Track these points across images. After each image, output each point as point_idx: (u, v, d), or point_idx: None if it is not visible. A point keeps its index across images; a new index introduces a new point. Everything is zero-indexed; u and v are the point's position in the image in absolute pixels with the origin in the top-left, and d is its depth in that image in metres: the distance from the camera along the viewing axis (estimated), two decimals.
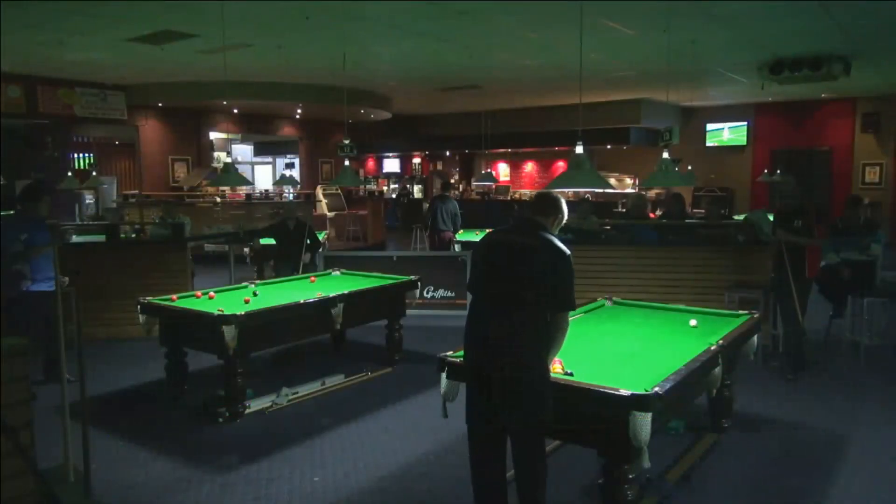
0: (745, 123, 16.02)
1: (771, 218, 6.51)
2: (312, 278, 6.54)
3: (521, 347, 2.96)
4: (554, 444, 4.09)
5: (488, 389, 3.02)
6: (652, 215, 12.81)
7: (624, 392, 2.89)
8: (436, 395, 4.27)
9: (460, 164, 21.38)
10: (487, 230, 10.99)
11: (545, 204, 3.19)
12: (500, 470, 3.13)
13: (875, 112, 14.37)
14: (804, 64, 9.54)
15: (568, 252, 2.99)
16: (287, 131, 16.27)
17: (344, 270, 6.97)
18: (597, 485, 3.34)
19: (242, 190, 14.83)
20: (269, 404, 5.10)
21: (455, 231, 10.32)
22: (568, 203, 3.37)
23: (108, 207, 13.57)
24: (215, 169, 14.42)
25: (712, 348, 3.67)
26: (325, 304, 5.39)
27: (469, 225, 11.98)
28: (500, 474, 3.14)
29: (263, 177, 19.02)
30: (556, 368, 3.21)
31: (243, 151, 18.67)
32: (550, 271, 2.96)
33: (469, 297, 3.18)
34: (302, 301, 5.27)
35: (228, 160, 13.68)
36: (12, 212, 6.95)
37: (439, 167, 21.74)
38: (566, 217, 3.24)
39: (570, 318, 3.12)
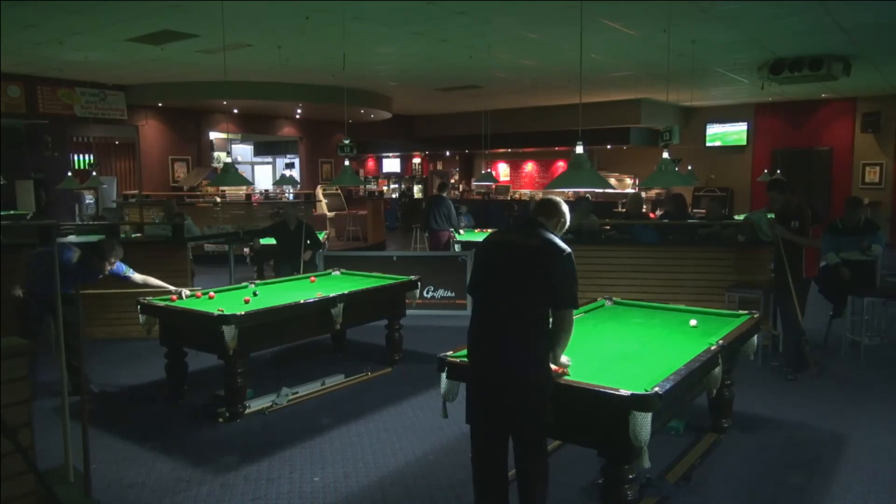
0: (745, 123, 16.01)
1: (771, 217, 6.52)
2: (312, 278, 6.53)
3: (523, 347, 2.96)
4: (554, 444, 4.09)
5: (491, 389, 3.03)
6: (652, 215, 12.84)
7: (624, 392, 2.89)
8: (436, 395, 4.28)
9: (460, 164, 21.39)
10: (490, 230, 10.95)
11: (548, 207, 3.20)
12: (501, 469, 3.14)
13: (875, 112, 14.36)
14: (804, 64, 9.53)
15: (568, 250, 2.99)
16: (287, 131, 16.27)
17: (344, 270, 6.97)
18: (597, 485, 3.35)
19: (243, 190, 14.82)
20: (269, 404, 5.10)
21: (455, 230, 10.37)
22: (567, 202, 3.38)
23: (107, 207, 13.58)
24: (215, 169, 14.42)
25: (712, 348, 3.67)
26: (325, 304, 5.39)
27: (479, 225, 12.11)
28: (501, 474, 3.14)
29: (263, 177, 19.02)
30: (562, 368, 3.18)
31: (243, 151, 18.67)
32: (551, 270, 2.95)
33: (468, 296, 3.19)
34: (302, 301, 5.27)
35: (228, 160, 13.69)
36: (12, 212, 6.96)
37: (439, 167, 21.75)
38: (569, 222, 3.25)
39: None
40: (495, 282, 3.10)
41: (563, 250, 2.97)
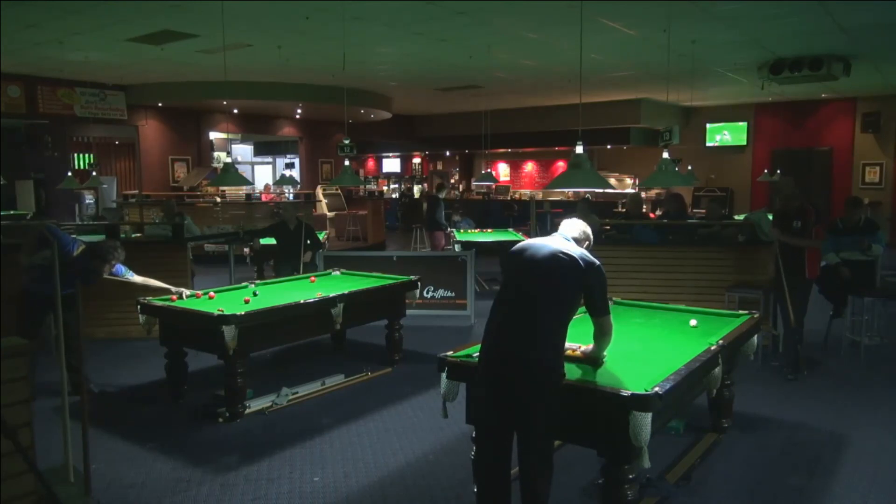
0: (745, 124, 16.01)
1: (771, 218, 6.52)
2: (312, 278, 6.53)
3: (536, 346, 2.99)
4: (554, 444, 4.09)
5: (498, 386, 3.04)
6: (652, 215, 12.84)
7: (624, 392, 2.89)
8: (436, 395, 4.28)
9: (460, 164, 21.39)
10: (487, 229, 10.95)
11: (580, 231, 3.41)
12: (503, 469, 3.14)
13: (875, 112, 14.36)
14: (804, 64, 9.53)
15: (598, 262, 3.19)
16: (287, 131, 16.27)
17: (344, 270, 6.97)
18: (597, 485, 3.35)
19: (243, 190, 14.80)
20: (269, 404, 5.10)
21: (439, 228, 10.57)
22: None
23: (107, 207, 13.57)
24: (215, 169, 14.41)
25: (712, 348, 3.67)
26: (325, 304, 5.39)
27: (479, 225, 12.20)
28: (503, 474, 3.15)
29: (263, 177, 19.02)
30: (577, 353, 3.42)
31: (243, 151, 18.67)
32: (588, 281, 3.13)
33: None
34: (302, 301, 5.27)
35: (228, 160, 13.69)
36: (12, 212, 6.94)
37: (439, 167, 21.76)
38: (592, 244, 3.46)
39: (574, 318, 3.22)
40: (525, 284, 3.17)
41: (595, 263, 3.19)
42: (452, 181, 20.83)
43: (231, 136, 16.55)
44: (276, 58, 9.67)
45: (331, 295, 5.49)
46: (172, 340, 5.22)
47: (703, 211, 12.42)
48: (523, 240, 3.54)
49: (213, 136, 15.51)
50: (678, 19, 7.43)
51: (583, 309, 3.26)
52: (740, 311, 4.79)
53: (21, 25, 7.82)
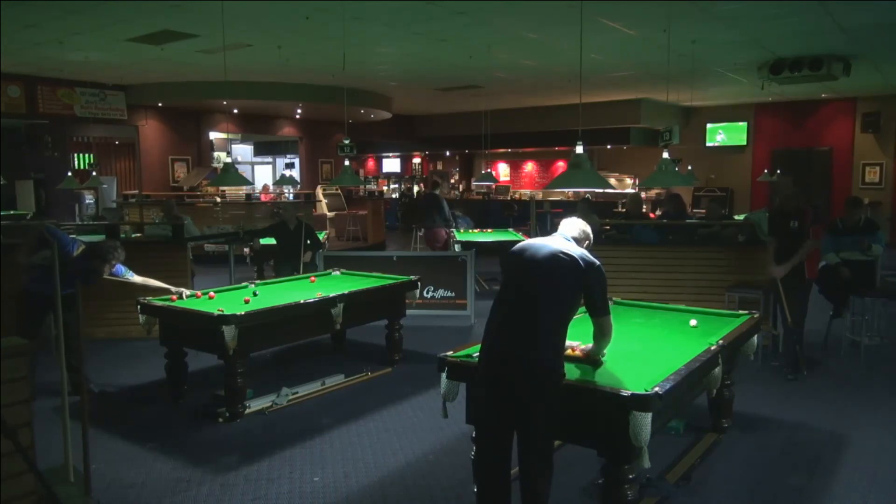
0: (745, 123, 16.01)
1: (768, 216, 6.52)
2: (312, 278, 6.53)
3: (537, 345, 2.99)
4: (554, 444, 4.09)
5: (498, 385, 3.04)
6: (652, 215, 12.83)
7: (624, 392, 2.89)
8: (436, 395, 4.28)
9: (460, 164, 21.40)
10: (487, 229, 10.96)
11: (580, 230, 3.42)
12: (503, 469, 3.15)
13: (875, 112, 14.36)
14: (804, 64, 9.53)
15: (598, 262, 3.20)
16: (287, 131, 16.27)
17: (344, 270, 6.97)
18: (597, 485, 3.35)
19: (243, 190, 14.78)
20: (269, 404, 5.10)
21: (448, 225, 10.58)
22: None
23: (107, 207, 13.57)
24: (215, 169, 14.41)
25: (712, 348, 3.67)
26: (325, 304, 5.39)
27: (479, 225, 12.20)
28: (503, 473, 3.15)
29: (263, 177, 19.02)
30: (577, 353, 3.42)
31: (243, 151, 18.67)
32: (588, 281, 3.14)
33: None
34: (302, 301, 5.27)
35: (228, 160, 13.68)
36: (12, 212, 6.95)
37: (439, 167, 21.76)
38: (592, 244, 3.47)
39: (574, 318, 3.22)
40: (525, 284, 3.17)
41: (595, 264, 3.19)
42: (452, 181, 20.83)
43: (231, 136, 16.55)
44: (276, 58, 9.67)
45: (331, 295, 5.49)
46: (172, 340, 5.22)
47: (703, 211, 12.41)
48: (523, 240, 3.54)
49: (213, 136, 15.51)
50: (678, 19, 7.44)
51: (583, 309, 3.26)
52: (740, 311, 4.79)
53: (21, 25, 7.82)
